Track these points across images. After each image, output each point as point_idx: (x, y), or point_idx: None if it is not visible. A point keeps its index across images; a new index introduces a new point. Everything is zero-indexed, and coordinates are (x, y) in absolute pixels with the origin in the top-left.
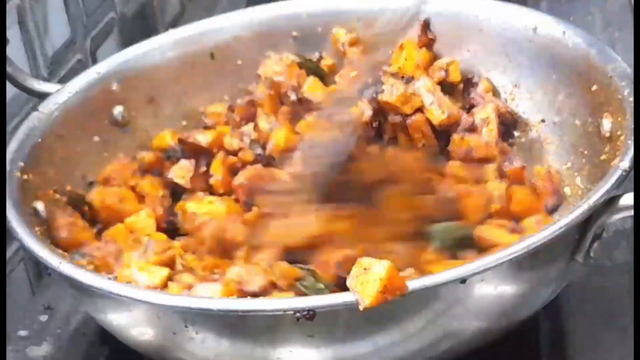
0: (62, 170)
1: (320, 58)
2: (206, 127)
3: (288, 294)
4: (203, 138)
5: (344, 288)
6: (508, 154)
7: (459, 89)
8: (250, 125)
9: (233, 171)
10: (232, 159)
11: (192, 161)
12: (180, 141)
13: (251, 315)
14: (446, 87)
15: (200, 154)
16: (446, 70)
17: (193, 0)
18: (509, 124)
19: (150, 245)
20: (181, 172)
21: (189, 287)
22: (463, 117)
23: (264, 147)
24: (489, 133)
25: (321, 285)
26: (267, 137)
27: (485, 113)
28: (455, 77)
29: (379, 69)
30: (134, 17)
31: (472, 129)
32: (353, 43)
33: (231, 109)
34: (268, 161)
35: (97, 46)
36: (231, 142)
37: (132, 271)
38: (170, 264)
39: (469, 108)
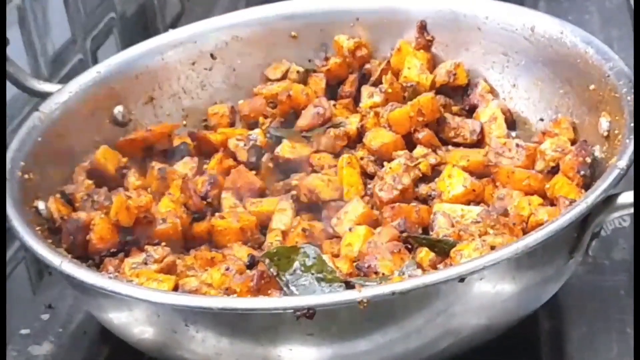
0: (63, 169)
1: (327, 58)
2: (206, 127)
3: None
4: (213, 137)
5: None
6: None
7: (458, 90)
8: (257, 130)
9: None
10: (229, 162)
11: (195, 158)
12: (192, 135)
13: (251, 313)
14: (447, 89)
15: (206, 152)
16: (454, 74)
17: (193, 1)
18: (508, 124)
19: (150, 253)
20: (185, 168)
21: (196, 291)
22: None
23: (260, 157)
24: (498, 129)
25: None
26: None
27: (490, 110)
28: (462, 80)
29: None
30: (134, 17)
31: (472, 107)
32: (357, 47)
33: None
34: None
35: (98, 46)
36: (237, 143)
37: (140, 280)
38: (171, 269)
39: (469, 109)
